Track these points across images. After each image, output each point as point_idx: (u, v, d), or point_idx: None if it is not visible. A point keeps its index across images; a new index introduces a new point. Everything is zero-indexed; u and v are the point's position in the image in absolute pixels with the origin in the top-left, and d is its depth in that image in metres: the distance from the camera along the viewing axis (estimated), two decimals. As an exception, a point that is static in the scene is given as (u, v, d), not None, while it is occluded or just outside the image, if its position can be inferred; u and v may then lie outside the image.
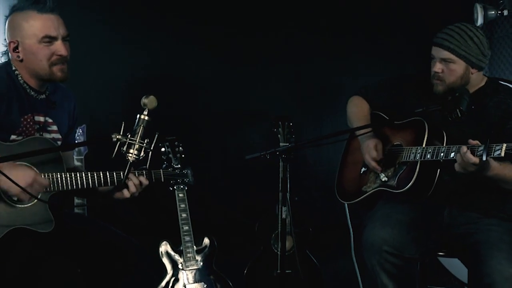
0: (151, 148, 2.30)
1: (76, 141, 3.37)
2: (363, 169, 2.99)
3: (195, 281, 3.25)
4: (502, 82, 2.94)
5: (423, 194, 2.72)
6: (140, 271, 2.59)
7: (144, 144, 2.28)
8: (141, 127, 2.27)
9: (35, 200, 2.36)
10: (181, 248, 3.25)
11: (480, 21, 3.53)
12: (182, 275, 3.25)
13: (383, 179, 2.85)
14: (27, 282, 2.38)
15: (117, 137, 2.25)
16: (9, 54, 2.52)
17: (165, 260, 3.26)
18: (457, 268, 3.52)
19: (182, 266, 3.26)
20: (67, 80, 2.55)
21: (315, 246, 3.65)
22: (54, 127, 2.60)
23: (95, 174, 2.48)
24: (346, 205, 3.28)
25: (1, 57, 2.60)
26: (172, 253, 3.27)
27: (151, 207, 3.68)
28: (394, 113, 2.93)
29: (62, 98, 2.67)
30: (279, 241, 3.46)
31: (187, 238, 3.24)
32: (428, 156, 2.64)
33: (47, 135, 2.56)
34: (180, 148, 3.10)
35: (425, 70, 2.89)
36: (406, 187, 2.70)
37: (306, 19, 4.08)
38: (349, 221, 3.48)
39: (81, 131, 3.43)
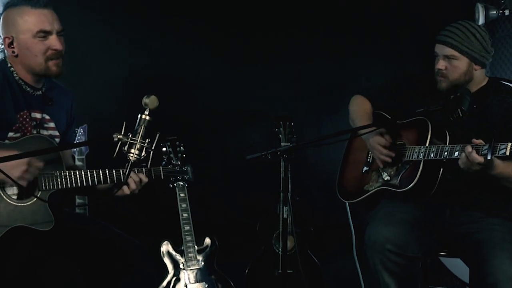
0: (153, 148, 2.30)
1: (78, 141, 3.37)
2: (365, 168, 2.99)
3: (196, 281, 3.24)
4: (504, 82, 2.94)
5: (426, 193, 2.72)
6: (140, 271, 2.58)
7: (145, 144, 2.27)
8: (142, 127, 2.27)
9: (35, 199, 2.36)
10: (183, 248, 3.25)
11: (481, 20, 3.54)
12: (183, 275, 3.25)
13: (385, 178, 2.85)
14: (27, 282, 2.38)
15: (118, 137, 2.24)
16: (5, 51, 2.52)
17: (167, 260, 3.26)
18: (458, 268, 3.52)
19: (183, 266, 3.25)
20: (63, 74, 2.54)
21: (317, 246, 3.66)
22: (52, 124, 2.60)
23: (94, 172, 2.49)
24: (347, 204, 3.28)
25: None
26: (174, 253, 3.27)
27: (151, 205, 3.68)
28: (397, 113, 2.94)
29: (59, 95, 2.67)
30: (280, 241, 3.46)
31: (189, 238, 3.24)
32: (432, 155, 2.64)
33: (44, 132, 2.55)
34: (181, 147, 3.10)
35: (426, 70, 2.90)
36: (409, 186, 2.71)
37: (306, 19, 4.08)
38: (351, 221, 3.48)
39: (82, 131, 3.43)
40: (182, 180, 3.11)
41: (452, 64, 2.73)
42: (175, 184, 3.18)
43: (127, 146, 2.25)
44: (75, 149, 3.37)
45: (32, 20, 2.44)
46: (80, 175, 2.45)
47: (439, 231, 2.77)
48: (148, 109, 2.27)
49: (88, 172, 2.48)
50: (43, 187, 2.40)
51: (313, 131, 4.10)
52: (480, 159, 2.42)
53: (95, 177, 2.49)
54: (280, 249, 3.52)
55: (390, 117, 3.01)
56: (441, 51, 2.75)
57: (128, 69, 3.87)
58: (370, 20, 4.08)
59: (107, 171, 2.50)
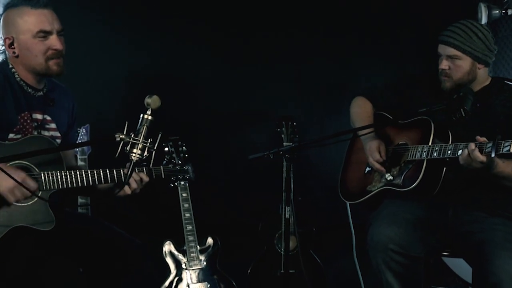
0: (155, 148, 2.29)
1: (80, 141, 3.36)
2: (367, 168, 2.98)
3: (199, 281, 3.24)
4: (507, 81, 2.94)
5: (429, 192, 2.72)
6: (142, 271, 2.58)
7: (148, 144, 2.26)
8: (145, 126, 2.26)
9: (36, 198, 2.35)
10: (185, 247, 3.25)
11: (484, 20, 3.55)
12: (185, 274, 3.24)
13: (388, 178, 2.84)
14: (28, 282, 2.36)
15: (121, 136, 2.24)
16: (6, 52, 2.52)
17: (169, 260, 3.26)
18: (461, 268, 3.51)
19: (185, 265, 3.25)
20: (63, 74, 2.55)
21: (319, 246, 3.65)
22: (53, 125, 2.60)
23: (94, 172, 2.48)
24: (348, 204, 3.27)
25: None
26: (176, 252, 3.26)
27: (152, 205, 3.67)
28: (398, 113, 2.93)
29: (60, 96, 2.67)
30: (283, 241, 3.47)
31: (191, 238, 3.24)
32: (435, 154, 2.64)
33: (46, 133, 2.55)
34: (184, 147, 3.11)
35: (426, 70, 2.89)
36: (412, 186, 2.70)
37: (306, 19, 4.08)
38: (351, 221, 3.47)
39: (84, 131, 3.43)
40: (183, 180, 3.12)
41: (455, 64, 2.74)
42: (176, 184, 3.18)
43: (129, 146, 2.24)
44: (77, 149, 3.37)
45: (32, 20, 2.45)
46: (81, 175, 2.45)
47: (442, 231, 2.76)
48: (150, 109, 2.27)
49: (89, 172, 2.47)
50: (44, 187, 2.38)
51: (315, 131, 4.10)
52: (482, 158, 2.42)
53: (96, 177, 2.48)
54: (282, 249, 3.52)
55: (391, 117, 3.00)
56: (444, 51, 2.75)
57: (128, 69, 3.87)
58: (370, 20, 4.08)
59: (107, 171, 2.49)
